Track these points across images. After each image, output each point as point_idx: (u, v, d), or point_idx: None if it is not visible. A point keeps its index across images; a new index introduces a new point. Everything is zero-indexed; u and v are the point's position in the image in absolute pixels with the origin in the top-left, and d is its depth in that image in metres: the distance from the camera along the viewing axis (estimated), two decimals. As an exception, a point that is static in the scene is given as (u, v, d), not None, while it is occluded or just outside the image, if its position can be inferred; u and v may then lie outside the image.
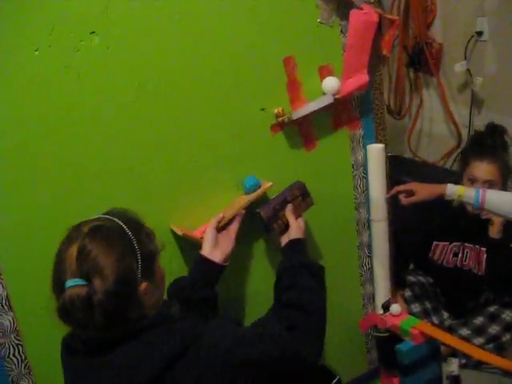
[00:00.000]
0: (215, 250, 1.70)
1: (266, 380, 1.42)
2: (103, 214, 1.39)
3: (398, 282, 2.62)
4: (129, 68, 1.56)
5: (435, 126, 3.70)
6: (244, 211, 1.76)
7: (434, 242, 2.71)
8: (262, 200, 1.81)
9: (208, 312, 1.64)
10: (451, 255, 2.69)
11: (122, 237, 1.33)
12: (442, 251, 2.70)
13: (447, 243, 2.69)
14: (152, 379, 1.28)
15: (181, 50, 1.63)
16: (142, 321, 1.33)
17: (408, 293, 2.72)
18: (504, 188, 2.56)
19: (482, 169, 2.51)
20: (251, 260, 1.92)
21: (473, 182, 2.53)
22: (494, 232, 2.52)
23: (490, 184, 2.49)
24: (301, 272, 1.66)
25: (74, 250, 1.27)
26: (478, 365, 2.53)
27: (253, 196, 1.78)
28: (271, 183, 1.81)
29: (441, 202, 2.67)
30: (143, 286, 1.32)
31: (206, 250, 1.70)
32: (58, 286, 1.26)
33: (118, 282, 1.27)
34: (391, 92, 3.69)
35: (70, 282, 1.23)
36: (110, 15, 1.50)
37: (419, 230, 2.74)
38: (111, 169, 1.62)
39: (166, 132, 1.67)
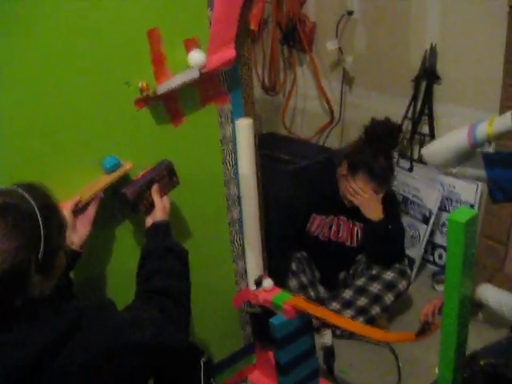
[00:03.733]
0: (72, 234, 1.60)
1: (144, 366, 1.40)
2: (22, 187, 1.27)
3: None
4: None
5: (309, 102, 3.77)
6: (103, 194, 1.68)
7: (313, 214, 2.76)
8: (124, 180, 1.74)
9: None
10: (327, 228, 2.76)
11: (30, 224, 1.23)
12: (319, 224, 2.77)
13: (323, 217, 2.75)
14: (36, 364, 1.21)
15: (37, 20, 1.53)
16: (27, 307, 1.24)
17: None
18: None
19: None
20: (115, 241, 1.84)
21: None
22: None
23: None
24: (165, 256, 1.64)
25: None
26: (352, 335, 2.62)
27: (113, 177, 1.71)
28: (132, 164, 1.74)
29: (312, 183, 2.74)
30: (36, 279, 1.24)
31: None
32: None
33: (9, 271, 1.18)
34: (265, 68, 3.72)
35: None
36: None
37: (295, 206, 2.77)
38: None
39: (24, 106, 1.55)
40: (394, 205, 2.79)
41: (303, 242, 2.86)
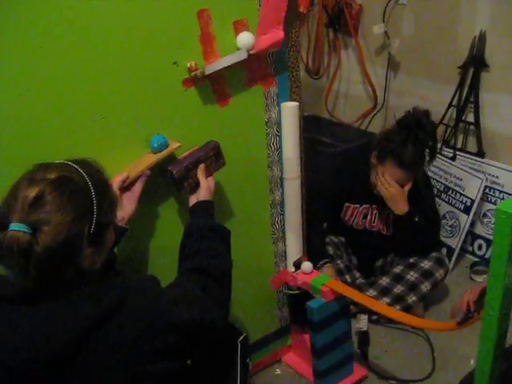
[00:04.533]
0: (118, 211, 1.60)
1: (185, 344, 1.42)
2: (76, 162, 1.31)
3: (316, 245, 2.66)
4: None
5: (352, 86, 3.74)
6: (149, 171, 1.71)
7: (346, 204, 2.76)
8: (170, 159, 1.77)
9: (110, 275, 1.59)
10: (361, 217, 2.76)
11: (84, 198, 1.27)
12: (353, 213, 2.76)
13: (357, 205, 2.75)
14: (81, 336, 1.25)
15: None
16: (76, 279, 1.28)
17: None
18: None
19: (398, 175, 2.55)
20: (159, 219, 1.87)
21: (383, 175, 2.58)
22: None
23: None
24: (208, 235, 1.65)
25: (31, 193, 1.20)
26: (388, 322, 2.62)
27: (160, 156, 1.73)
28: (179, 144, 1.76)
29: (350, 167, 2.73)
30: (87, 252, 1.28)
31: None
32: (2, 221, 1.19)
33: (64, 243, 1.21)
34: (310, 51, 3.70)
35: (15, 226, 1.17)
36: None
37: (332, 192, 2.77)
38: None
39: (76, 86, 1.58)
40: (428, 192, 2.76)
41: (340, 228, 2.86)
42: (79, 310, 1.27)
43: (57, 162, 1.32)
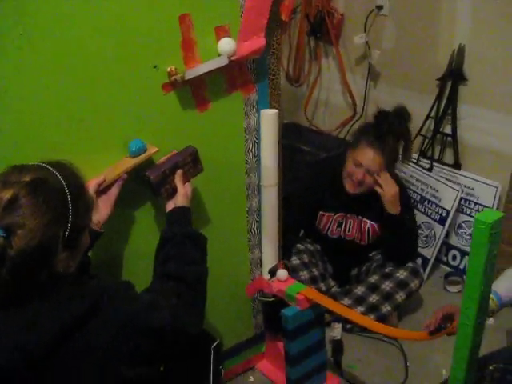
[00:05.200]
0: (93, 214, 1.58)
1: (159, 350, 1.43)
2: (51, 165, 1.30)
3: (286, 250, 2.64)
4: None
5: (332, 95, 3.76)
6: (126, 175, 1.69)
7: (320, 212, 2.76)
8: (147, 164, 1.76)
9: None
10: (335, 225, 2.76)
11: (60, 202, 1.26)
12: (328, 221, 2.76)
13: (332, 214, 2.75)
14: (55, 340, 1.24)
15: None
16: (50, 283, 1.27)
17: (296, 261, 2.75)
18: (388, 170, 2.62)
19: (368, 156, 2.55)
20: (135, 224, 1.86)
21: (356, 165, 2.58)
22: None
23: (371, 173, 2.57)
24: (184, 242, 1.65)
25: (6, 195, 1.19)
26: (362, 331, 2.62)
27: (138, 160, 1.72)
28: (157, 149, 1.75)
29: (327, 176, 2.73)
30: (62, 255, 1.27)
31: None
32: None
33: (38, 247, 1.20)
34: (291, 59, 3.71)
35: None
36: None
37: (307, 199, 2.77)
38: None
39: (54, 87, 1.56)
40: (406, 200, 2.78)
41: (316, 236, 2.86)
42: (54, 313, 1.26)
43: (32, 164, 1.30)
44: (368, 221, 2.72)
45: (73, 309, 1.27)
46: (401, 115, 2.59)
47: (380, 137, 2.54)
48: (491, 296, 1.76)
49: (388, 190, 2.57)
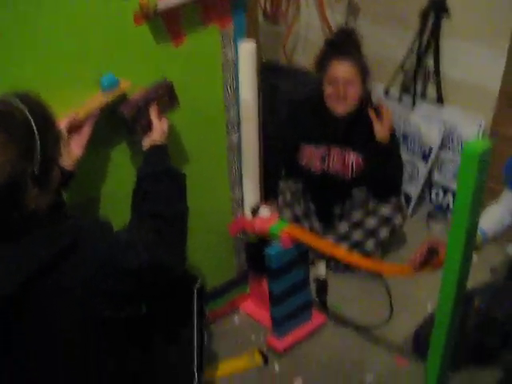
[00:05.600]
0: (65, 154, 1.53)
1: (138, 289, 1.41)
2: (17, 96, 1.23)
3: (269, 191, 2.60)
4: None
5: (311, 32, 3.66)
6: (99, 112, 1.63)
7: (302, 145, 2.71)
8: (121, 100, 1.68)
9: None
10: (319, 160, 2.71)
11: (26, 135, 1.20)
12: (310, 155, 2.71)
13: (313, 146, 2.69)
14: (30, 280, 1.21)
15: None
16: (23, 222, 1.23)
17: (279, 199, 2.71)
18: (365, 87, 2.59)
19: (342, 69, 2.54)
20: (110, 163, 1.80)
21: (333, 83, 2.55)
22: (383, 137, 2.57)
23: (350, 84, 2.54)
24: (162, 179, 1.61)
25: None
26: (346, 269, 2.61)
27: (110, 96, 1.65)
28: (130, 82, 1.68)
29: (307, 110, 2.68)
30: (33, 192, 1.22)
31: None
32: None
33: (7, 183, 1.15)
34: (268, -4, 3.59)
35: None
36: None
37: (288, 134, 2.72)
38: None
39: (23, 20, 1.48)
40: (393, 131, 2.75)
41: (297, 174, 2.82)
42: (30, 252, 1.23)
43: None
44: (352, 153, 2.66)
45: (49, 248, 1.23)
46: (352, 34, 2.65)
47: (347, 50, 2.56)
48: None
49: (386, 125, 2.56)
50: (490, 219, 1.85)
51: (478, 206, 1.45)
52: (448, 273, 1.56)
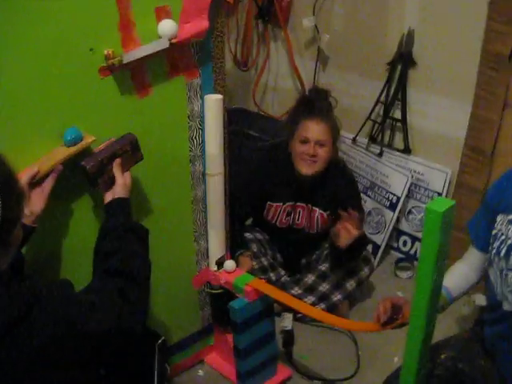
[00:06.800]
0: (26, 208, 1.47)
1: (98, 351, 1.37)
2: None
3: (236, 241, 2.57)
4: None
5: (281, 79, 3.70)
6: (61, 166, 1.59)
7: (268, 203, 2.69)
8: (84, 153, 1.65)
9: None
10: (284, 215, 2.70)
11: None
12: (276, 211, 2.70)
13: (281, 204, 2.68)
14: None
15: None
16: None
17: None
18: (334, 149, 2.58)
19: (314, 129, 2.51)
20: (71, 217, 1.76)
21: (304, 142, 2.52)
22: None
23: (321, 144, 2.51)
24: (125, 236, 1.57)
25: None
26: (313, 320, 2.58)
27: (73, 149, 1.62)
28: (94, 138, 1.66)
29: (274, 164, 2.66)
30: None
31: None
32: None
33: None
34: (238, 43, 3.62)
35: None
36: None
37: (256, 188, 2.69)
38: None
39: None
40: (355, 191, 2.76)
41: (263, 226, 2.80)
42: None
43: None
44: (317, 209, 2.66)
45: (4, 312, 1.18)
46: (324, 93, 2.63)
47: (320, 110, 2.53)
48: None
49: (351, 234, 2.43)
50: (455, 278, 1.84)
51: (442, 264, 1.45)
52: (413, 330, 1.55)
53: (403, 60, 2.97)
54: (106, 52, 1.66)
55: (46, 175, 1.58)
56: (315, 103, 2.55)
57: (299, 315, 2.61)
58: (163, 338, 1.75)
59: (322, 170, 2.55)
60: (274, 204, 2.68)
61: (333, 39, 3.29)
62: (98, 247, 1.58)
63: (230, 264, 2.14)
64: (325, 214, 2.67)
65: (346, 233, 2.41)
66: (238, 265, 2.25)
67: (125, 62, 1.69)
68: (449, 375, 1.89)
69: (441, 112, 2.93)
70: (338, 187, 2.61)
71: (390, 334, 2.22)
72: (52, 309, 1.25)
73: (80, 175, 1.66)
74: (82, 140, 1.64)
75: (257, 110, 3.74)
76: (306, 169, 2.54)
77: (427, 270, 1.42)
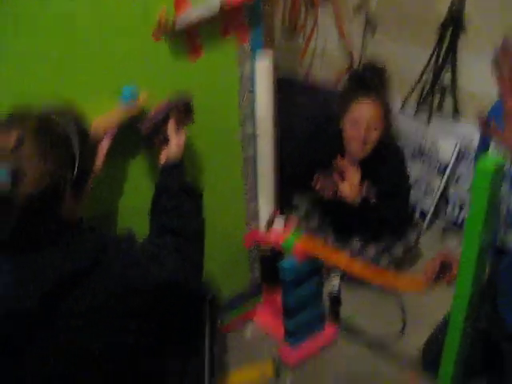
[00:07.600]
0: None
1: (158, 303, 1.42)
2: (52, 107, 1.28)
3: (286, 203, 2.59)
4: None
5: (329, 46, 3.67)
6: (117, 126, 1.65)
7: (316, 175, 2.68)
8: (139, 113, 1.71)
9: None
10: (331, 188, 2.68)
11: (65, 148, 1.24)
12: (324, 183, 2.68)
13: (328, 175, 2.67)
14: (57, 290, 1.22)
15: None
16: (57, 229, 1.25)
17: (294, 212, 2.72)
18: (387, 127, 2.54)
19: (366, 112, 2.44)
20: (127, 177, 1.82)
21: (355, 125, 2.47)
22: None
23: (373, 128, 2.45)
24: (180, 195, 1.62)
25: (12, 137, 1.16)
26: (360, 281, 2.60)
27: (129, 109, 1.68)
28: (149, 97, 1.71)
29: (325, 140, 2.64)
30: (68, 201, 1.25)
31: None
32: None
33: (45, 192, 1.17)
34: (286, 9, 3.60)
35: None
36: None
37: (303, 161, 2.70)
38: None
39: (47, 35, 1.52)
40: (400, 164, 2.74)
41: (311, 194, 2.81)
42: (53, 265, 1.23)
43: (36, 110, 1.27)
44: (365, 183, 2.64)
45: (75, 261, 1.25)
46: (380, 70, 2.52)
47: (371, 89, 2.46)
48: None
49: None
50: None
51: (491, 222, 1.45)
52: (461, 286, 1.56)
53: (454, 23, 2.92)
54: (159, 15, 1.70)
55: (103, 135, 1.63)
56: (369, 82, 2.46)
57: (346, 277, 2.64)
58: (214, 293, 1.79)
59: (372, 150, 2.53)
60: (322, 176, 2.70)
61: (381, 4, 3.26)
62: (154, 206, 1.64)
63: (279, 224, 2.18)
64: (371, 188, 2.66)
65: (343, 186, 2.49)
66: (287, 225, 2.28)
67: (177, 24, 1.73)
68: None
69: (490, 76, 2.88)
70: (386, 167, 2.59)
71: (437, 293, 2.24)
72: (118, 258, 1.31)
73: (135, 134, 1.72)
74: (137, 99, 1.69)
75: (304, 76, 3.74)
76: (355, 152, 2.52)
77: (475, 229, 1.43)
